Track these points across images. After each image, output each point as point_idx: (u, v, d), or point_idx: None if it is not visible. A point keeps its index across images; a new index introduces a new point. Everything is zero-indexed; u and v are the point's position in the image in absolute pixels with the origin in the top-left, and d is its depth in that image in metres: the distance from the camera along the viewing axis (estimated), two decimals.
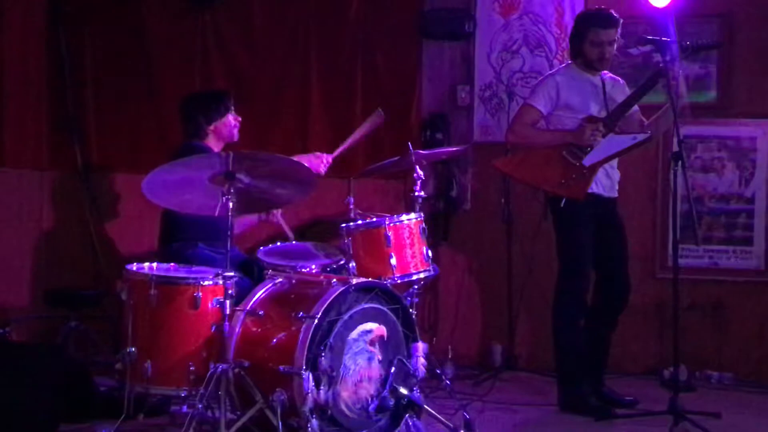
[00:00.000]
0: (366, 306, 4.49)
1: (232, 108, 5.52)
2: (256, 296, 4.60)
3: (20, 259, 6.41)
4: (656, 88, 5.34)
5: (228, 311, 4.38)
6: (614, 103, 5.40)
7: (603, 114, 5.36)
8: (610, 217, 5.48)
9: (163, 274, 4.67)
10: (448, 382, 5.17)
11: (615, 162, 5.45)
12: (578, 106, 5.38)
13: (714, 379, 6.25)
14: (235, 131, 5.52)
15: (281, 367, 4.26)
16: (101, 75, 6.69)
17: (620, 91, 5.52)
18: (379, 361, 4.50)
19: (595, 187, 5.36)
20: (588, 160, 5.28)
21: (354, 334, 4.42)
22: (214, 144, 5.46)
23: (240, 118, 5.55)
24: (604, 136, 5.29)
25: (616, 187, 5.52)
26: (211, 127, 5.47)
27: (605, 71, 5.47)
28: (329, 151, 5.71)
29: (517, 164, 5.55)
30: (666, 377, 6.07)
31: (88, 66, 6.70)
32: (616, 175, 5.52)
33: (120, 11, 6.70)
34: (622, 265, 5.51)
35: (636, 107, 5.45)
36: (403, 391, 4.51)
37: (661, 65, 5.22)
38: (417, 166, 5.23)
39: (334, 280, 4.56)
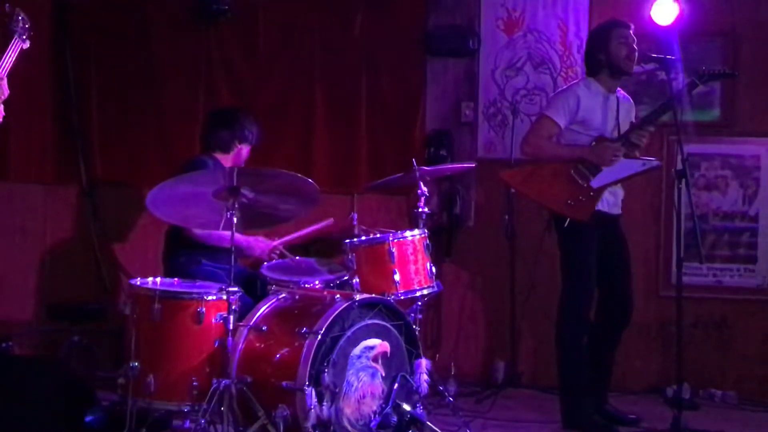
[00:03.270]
0: (369, 322, 4.49)
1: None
2: (260, 311, 4.60)
3: (23, 273, 6.42)
4: None
5: (231, 326, 4.38)
6: (625, 123, 5.40)
7: (615, 134, 5.36)
8: (613, 234, 5.47)
9: (167, 288, 4.67)
10: (450, 398, 5.17)
11: None
12: (593, 123, 5.38)
13: (717, 397, 6.24)
14: (244, 164, 5.62)
15: (284, 383, 4.26)
16: (106, 90, 6.71)
17: (627, 109, 5.52)
18: (382, 378, 4.50)
19: (599, 205, 5.35)
20: (596, 182, 5.28)
21: (357, 350, 4.42)
22: (227, 163, 5.49)
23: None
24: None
25: (620, 204, 5.52)
26: (239, 146, 5.57)
27: (619, 89, 5.48)
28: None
29: (524, 179, 5.54)
30: (669, 395, 6.05)
31: (93, 81, 6.71)
32: (621, 192, 5.51)
33: (125, 27, 6.72)
34: (626, 282, 5.51)
35: None
36: (406, 407, 4.51)
37: (673, 95, 5.21)
38: (421, 183, 5.24)
39: (338, 295, 4.55)
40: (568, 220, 5.30)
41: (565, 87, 5.84)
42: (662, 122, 5.46)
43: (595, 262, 5.37)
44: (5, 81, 4.06)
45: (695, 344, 6.14)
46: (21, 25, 4.19)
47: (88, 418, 4.74)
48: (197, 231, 5.26)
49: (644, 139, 5.38)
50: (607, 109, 5.41)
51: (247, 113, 5.70)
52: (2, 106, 4.06)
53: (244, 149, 5.58)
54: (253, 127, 5.62)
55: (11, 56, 4.11)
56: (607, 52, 5.39)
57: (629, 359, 6.13)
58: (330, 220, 5.66)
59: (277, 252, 5.52)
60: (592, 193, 5.31)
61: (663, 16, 6.01)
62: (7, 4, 4.15)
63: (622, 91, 5.54)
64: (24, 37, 4.20)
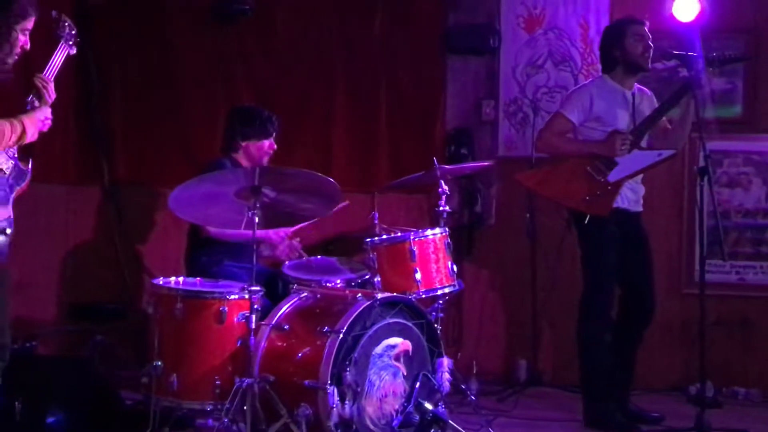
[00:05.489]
0: (391, 321, 4.50)
1: (273, 135, 5.53)
2: (282, 311, 4.61)
3: (46, 273, 6.44)
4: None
5: (253, 326, 4.39)
6: (642, 117, 5.39)
7: (630, 128, 5.35)
8: (635, 232, 5.45)
9: (189, 288, 4.70)
10: (473, 397, 5.16)
11: (640, 176, 5.43)
12: (608, 119, 5.37)
13: (741, 395, 6.21)
14: (266, 158, 5.50)
15: (306, 382, 4.27)
16: (127, 91, 6.73)
17: (648, 103, 5.51)
18: (404, 376, 4.50)
19: (620, 202, 5.34)
20: (613, 176, 5.26)
21: (379, 349, 4.42)
22: (243, 161, 5.48)
23: (275, 148, 5.56)
24: (630, 150, 5.27)
25: (641, 202, 5.50)
26: (243, 144, 5.49)
27: (636, 84, 5.47)
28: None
29: (541, 179, 5.55)
30: (692, 393, 6.02)
31: (115, 82, 6.74)
32: (641, 189, 5.50)
33: (146, 28, 6.74)
34: (648, 281, 5.48)
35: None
36: (428, 406, 4.50)
37: (686, 79, 5.23)
38: (442, 181, 5.23)
39: (359, 294, 4.56)
40: (588, 216, 5.29)
41: (579, 86, 5.84)
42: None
43: (616, 259, 5.35)
44: (52, 84, 4.11)
45: (718, 342, 6.10)
46: (67, 31, 4.25)
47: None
48: (211, 229, 5.27)
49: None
50: (623, 105, 5.40)
51: (242, 109, 5.67)
52: (50, 109, 4.10)
53: (252, 146, 5.50)
54: (255, 121, 5.51)
55: (58, 61, 4.17)
56: (622, 49, 5.39)
57: (652, 357, 6.09)
58: (346, 203, 5.64)
59: (296, 254, 5.52)
60: (609, 187, 5.28)
61: (684, 12, 5.97)
62: (54, 11, 4.19)
63: (639, 86, 5.52)
64: (71, 42, 4.26)
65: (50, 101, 4.10)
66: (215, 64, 6.74)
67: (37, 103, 4.06)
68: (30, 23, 3.95)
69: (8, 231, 3.94)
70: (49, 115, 4.10)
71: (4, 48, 3.89)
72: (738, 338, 6.36)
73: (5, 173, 3.98)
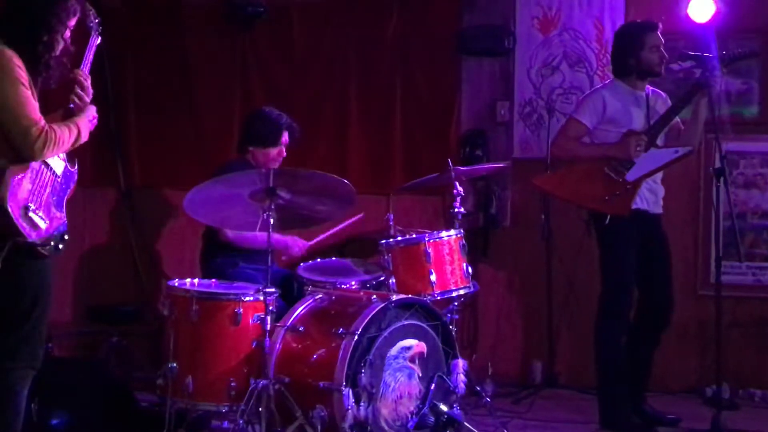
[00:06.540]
0: (406, 322, 4.50)
1: (282, 144, 5.50)
2: (297, 312, 4.62)
3: (62, 275, 6.46)
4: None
5: (268, 327, 4.40)
6: (657, 117, 5.37)
7: (645, 128, 5.34)
8: (654, 234, 5.43)
9: (204, 290, 4.71)
10: (488, 399, 5.15)
11: (659, 177, 5.42)
12: (623, 120, 5.35)
13: (757, 397, 6.18)
14: (272, 165, 5.44)
15: (321, 384, 4.28)
16: (143, 94, 6.76)
17: (662, 104, 5.50)
18: (419, 378, 4.50)
19: (639, 203, 5.32)
20: (631, 176, 5.25)
21: (394, 350, 4.42)
22: (254, 164, 5.48)
23: (284, 155, 5.53)
24: (645, 150, 5.26)
25: (661, 203, 5.48)
26: (251, 149, 5.50)
27: (648, 86, 5.46)
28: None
29: (558, 182, 5.54)
30: (708, 395, 6.00)
31: (130, 85, 6.77)
32: (661, 190, 5.48)
33: (161, 31, 6.77)
34: (666, 283, 5.46)
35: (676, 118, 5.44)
36: (443, 408, 4.50)
37: (699, 78, 5.21)
38: (456, 183, 5.23)
39: (374, 296, 4.56)
40: (609, 216, 5.27)
41: (591, 90, 5.83)
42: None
43: (635, 260, 5.34)
44: (89, 80, 4.05)
45: (734, 343, 6.08)
46: (93, 20, 4.19)
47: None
48: (229, 234, 5.28)
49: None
50: (636, 105, 5.39)
51: (256, 114, 5.66)
52: (95, 107, 4.05)
53: (258, 152, 5.47)
54: (263, 129, 5.49)
55: (91, 54, 4.11)
56: (638, 58, 5.37)
57: (668, 359, 6.07)
58: (360, 215, 5.64)
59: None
60: (628, 187, 5.27)
61: (700, 13, 5.95)
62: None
63: (653, 88, 5.51)
64: (98, 33, 4.20)
65: (89, 98, 4.05)
66: (229, 66, 6.75)
67: (78, 101, 4.01)
68: (75, 19, 3.92)
69: (66, 236, 3.92)
70: (95, 113, 4.05)
71: (60, 44, 3.84)
72: (754, 340, 6.33)
73: (59, 177, 3.92)
